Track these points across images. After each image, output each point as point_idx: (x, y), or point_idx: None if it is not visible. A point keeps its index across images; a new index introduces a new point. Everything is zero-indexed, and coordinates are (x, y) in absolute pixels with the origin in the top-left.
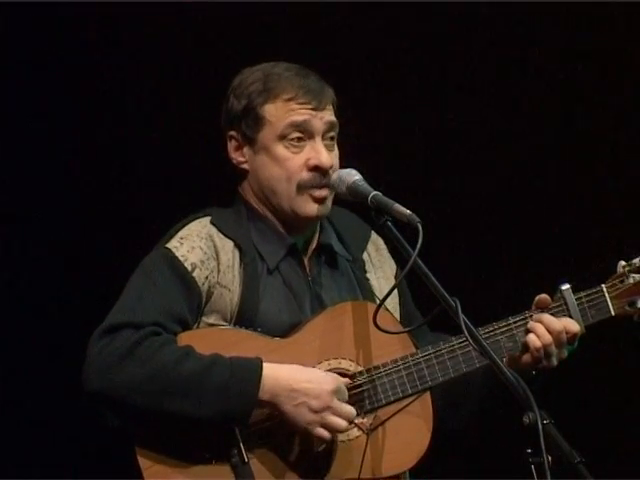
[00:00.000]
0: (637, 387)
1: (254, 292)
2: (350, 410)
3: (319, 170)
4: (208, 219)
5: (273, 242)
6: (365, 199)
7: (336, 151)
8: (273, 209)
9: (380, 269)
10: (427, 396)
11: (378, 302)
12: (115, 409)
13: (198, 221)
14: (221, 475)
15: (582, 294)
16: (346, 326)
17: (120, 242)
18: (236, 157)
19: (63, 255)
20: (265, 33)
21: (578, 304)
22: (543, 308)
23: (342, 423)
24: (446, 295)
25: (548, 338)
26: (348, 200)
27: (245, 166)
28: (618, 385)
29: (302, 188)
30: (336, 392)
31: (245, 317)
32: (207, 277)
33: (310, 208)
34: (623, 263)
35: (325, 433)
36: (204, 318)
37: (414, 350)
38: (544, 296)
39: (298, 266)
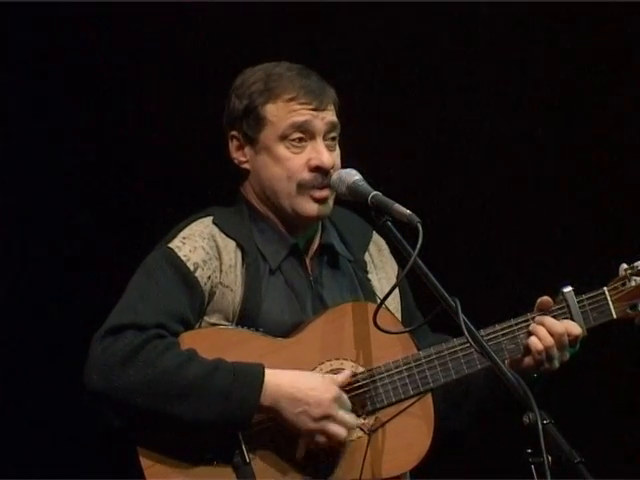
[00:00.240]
0: (637, 388)
1: (256, 292)
2: (350, 419)
3: (320, 170)
4: (210, 219)
5: (275, 242)
6: (365, 199)
7: (337, 151)
8: (274, 209)
9: (382, 270)
10: (428, 397)
11: (379, 302)
12: (116, 410)
13: (200, 221)
14: (223, 476)
15: (584, 297)
16: (347, 327)
17: (121, 241)
18: (237, 157)
19: (63, 255)
20: (266, 33)
21: (580, 306)
22: (545, 310)
23: (342, 432)
24: (446, 295)
25: (550, 340)
26: (348, 200)
27: (246, 166)
28: (618, 386)
29: (303, 188)
30: (337, 400)
31: (247, 317)
32: (209, 277)
33: (311, 208)
34: (625, 266)
35: (325, 441)
36: (206, 318)
37: (415, 351)
38: (546, 298)
39: (300, 266)
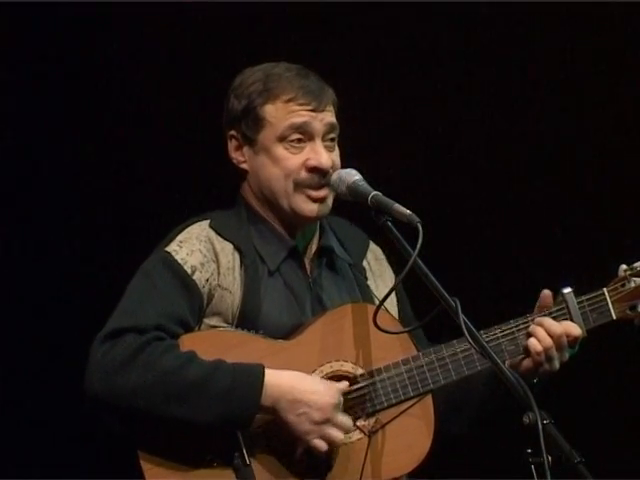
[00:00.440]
0: (637, 388)
1: (255, 294)
2: (349, 423)
3: (318, 171)
4: (207, 222)
5: (274, 244)
6: (365, 199)
7: (337, 151)
8: (273, 209)
9: (380, 277)
10: (428, 399)
11: (377, 303)
12: (117, 414)
13: (197, 224)
14: (223, 477)
15: (584, 297)
16: (347, 328)
17: (122, 241)
18: (236, 157)
19: (63, 256)
20: (265, 33)
21: (580, 307)
22: (546, 305)
23: (340, 436)
24: (446, 295)
25: (549, 342)
26: (348, 200)
27: (245, 166)
28: (618, 386)
29: (299, 186)
30: (338, 407)
31: (247, 319)
32: (207, 279)
33: (309, 208)
34: (624, 267)
35: (323, 445)
36: (206, 320)
37: (415, 352)
38: (547, 292)
39: (299, 268)
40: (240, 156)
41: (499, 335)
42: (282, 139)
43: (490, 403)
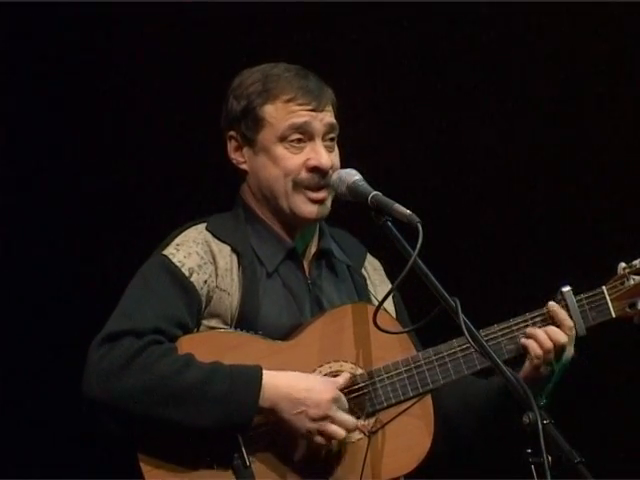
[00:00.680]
0: (637, 388)
1: (254, 295)
2: (349, 419)
3: (318, 171)
4: (204, 225)
5: (272, 245)
6: (365, 199)
7: (336, 151)
8: (273, 210)
9: (379, 287)
10: (428, 399)
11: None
12: (115, 417)
13: (194, 227)
14: (223, 478)
15: (583, 296)
16: (346, 328)
17: (121, 243)
18: (236, 157)
19: (63, 256)
20: (265, 33)
21: (579, 306)
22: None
23: (341, 432)
24: (446, 295)
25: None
26: (348, 200)
27: (244, 167)
28: (618, 385)
29: (298, 186)
30: (336, 401)
31: (245, 320)
32: (205, 281)
33: (309, 209)
34: (623, 265)
35: (324, 442)
36: (205, 322)
37: (414, 352)
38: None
39: (298, 269)
40: (240, 157)
41: (498, 334)
42: (282, 139)
43: (491, 411)
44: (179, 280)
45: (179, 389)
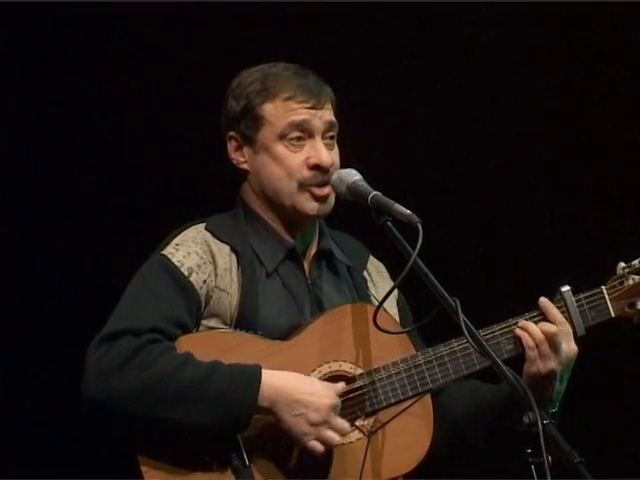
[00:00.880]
0: (637, 387)
1: (253, 295)
2: (345, 426)
3: (319, 169)
4: (203, 225)
5: (272, 245)
6: (365, 199)
7: (336, 149)
8: (274, 209)
9: (382, 289)
10: (428, 398)
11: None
12: (114, 417)
13: (193, 227)
14: (222, 478)
15: (582, 295)
16: (346, 328)
17: (122, 243)
18: (236, 157)
19: (63, 256)
20: (265, 33)
21: (578, 305)
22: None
23: (337, 438)
24: (446, 295)
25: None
26: (348, 200)
27: (245, 166)
28: (618, 386)
29: (303, 186)
30: (335, 408)
31: (245, 320)
32: (205, 281)
33: (311, 206)
34: (623, 265)
35: (319, 446)
36: (204, 322)
37: (414, 352)
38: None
39: (298, 269)
40: (240, 156)
41: (498, 334)
42: (282, 137)
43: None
44: (178, 280)
45: (178, 387)
